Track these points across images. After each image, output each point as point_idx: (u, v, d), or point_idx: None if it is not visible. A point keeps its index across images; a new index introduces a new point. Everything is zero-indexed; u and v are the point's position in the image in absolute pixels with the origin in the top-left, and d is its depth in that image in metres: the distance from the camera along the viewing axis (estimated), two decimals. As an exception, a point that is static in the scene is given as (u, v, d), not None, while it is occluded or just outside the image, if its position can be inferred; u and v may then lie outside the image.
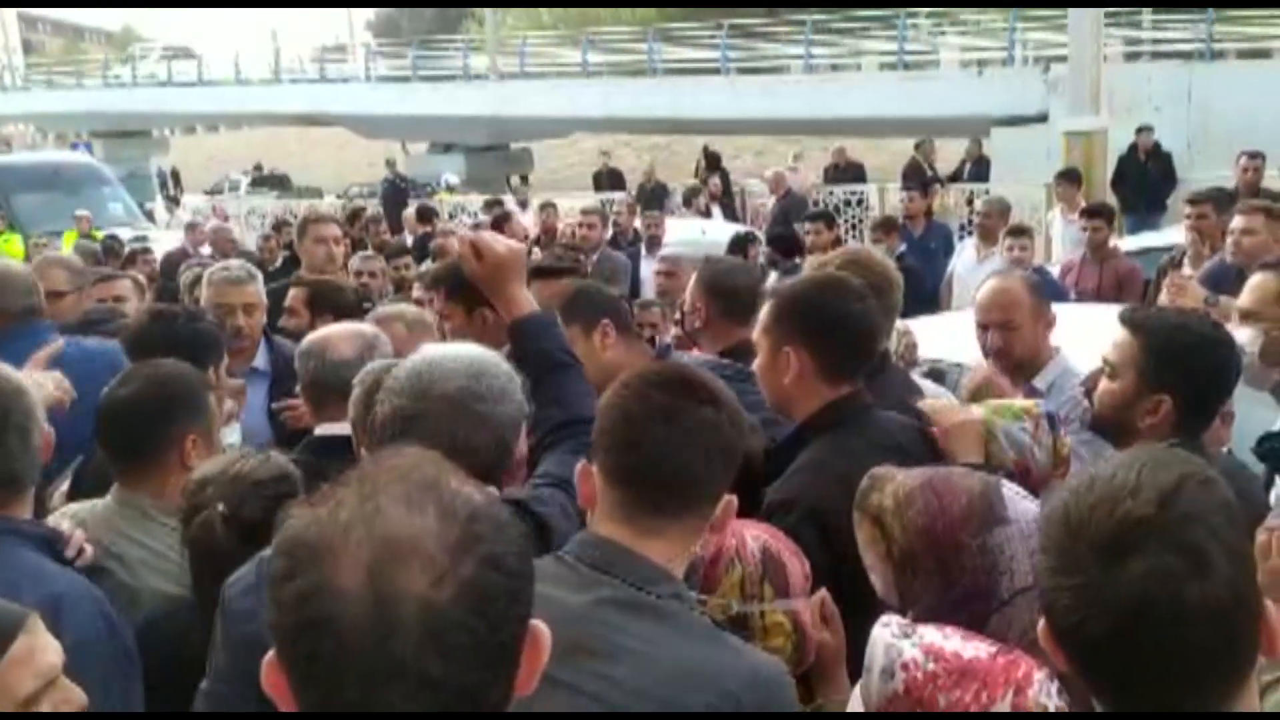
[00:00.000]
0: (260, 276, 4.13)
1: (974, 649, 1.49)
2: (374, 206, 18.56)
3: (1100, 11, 14.13)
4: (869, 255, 3.22)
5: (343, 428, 2.50)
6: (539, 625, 1.01)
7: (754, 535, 1.96)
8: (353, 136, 33.52)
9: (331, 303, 4.16)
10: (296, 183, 33.43)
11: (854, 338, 2.36)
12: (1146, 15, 20.84)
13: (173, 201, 22.63)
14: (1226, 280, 4.95)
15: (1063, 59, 15.71)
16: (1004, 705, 1.42)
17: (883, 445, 2.24)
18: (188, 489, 2.17)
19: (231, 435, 3.19)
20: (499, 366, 1.91)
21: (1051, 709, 1.39)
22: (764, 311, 2.44)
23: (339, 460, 1.75)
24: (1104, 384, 2.33)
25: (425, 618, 0.89)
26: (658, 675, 1.49)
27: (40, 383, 2.59)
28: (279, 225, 11.26)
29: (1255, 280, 2.51)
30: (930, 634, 1.53)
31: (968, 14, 24.11)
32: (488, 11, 31.52)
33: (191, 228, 11.72)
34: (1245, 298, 2.51)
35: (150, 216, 19.69)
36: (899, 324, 3.56)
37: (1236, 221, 5.03)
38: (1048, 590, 1.15)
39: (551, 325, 2.32)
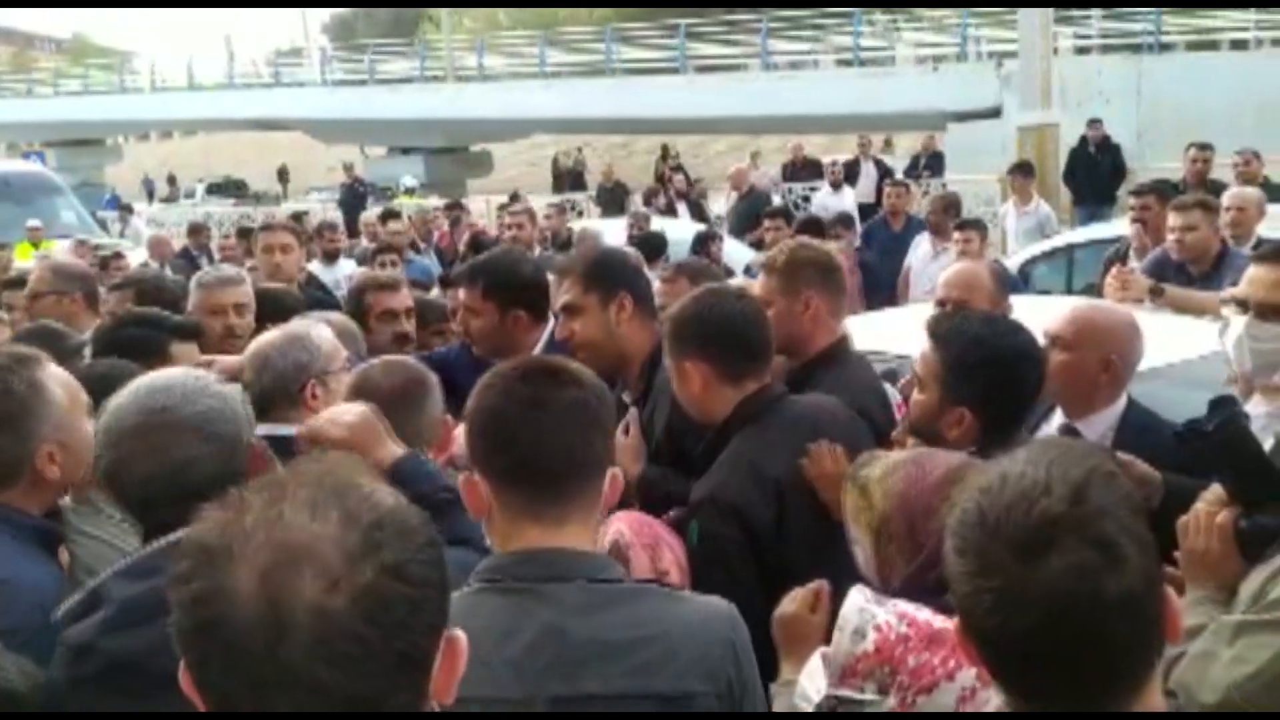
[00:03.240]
0: (249, 279, 4.14)
1: (943, 622, 1.54)
2: (332, 211, 18.50)
3: (1050, 7, 14.33)
4: (811, 243, 3.29)
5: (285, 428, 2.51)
6: (457, 635, 1.01)
7: (616, 527, 2.03)
8: (309, 141, 33.28)
9: (269, 312, 4.12)
10: (254, 189, 33.17)
11: (740, 338, 2.43)
12: (1096, 9, 21.14)
13: (125, 210, 22.32)
14: (1169, 271, 5.04)
15: (1015, 54, 15.91)
16: (969, 673, 1.47)
17: (797, 431, 2.34)
18: None
19: None
20: (167, 379, 1.89)
21: None
22: (664, 334, 2.53)
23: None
24: (915, 394, 2.37)
25: (316, 624, 0.89)
26: (671, 643, 1.56)
27: None
28: (244, 232, 11.16)
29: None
30: (903, 604, 1.59)
31: (922, 11, 24.33)
32: (444, 13, 31.39)
33: (159, 243, 11.60)
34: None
35: (103, 226, 19.44)
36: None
37: (1176, 219, 5.08)
38: (967, 594, 1.16)
39: (422, 467, 2.26)
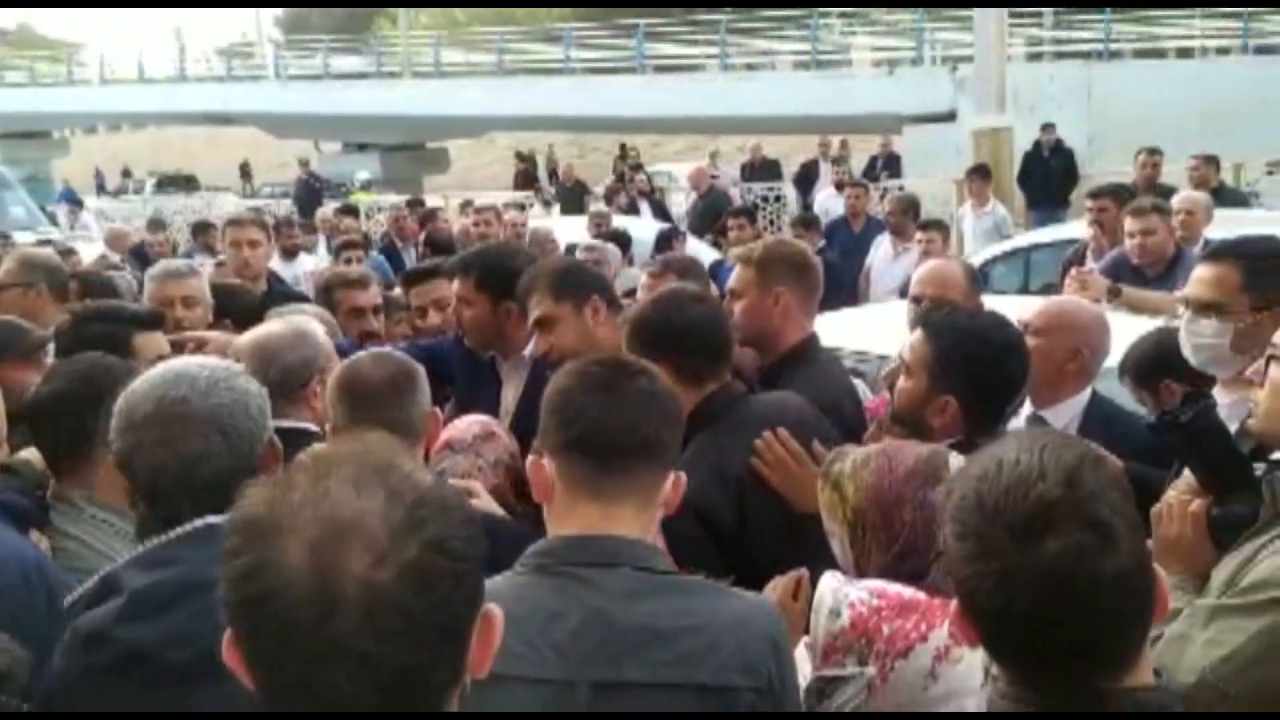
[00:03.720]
0: (203, 273, 4.12)
1: (913, 592, 1.61)
2: (287, 207, 18.31)
3: (1005, 12, 14.55)
4: (788, 239, 3.35)
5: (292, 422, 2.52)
6: (493, 609, 1.04)
7: None
8: (263, 136, 32.88)
9: (227, 307, 4.10)
10: (205, 184, 32.71)
11: (701, 341, 2.46)
12: (1048, 16, 21.48)
13: (76, 204, 21.96)
14: (1125, 272, 5.18)
15: (970, 59, 16.13)
16: (941, 632, 1.54)
17: (757, 430, 2.39)
18: None
19: None
20: (200, 365, 1.88)
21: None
22: (623, 337, 2.54)
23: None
24: (901, 382, 2.43)
25: (365, 597, 0.91)
26: (714, 635, 1.58)
27: None
28: (204, 225, 11.02)
29: (1209, 272, 2.58)
30: (874, 581, 1.65)
31: (878, 14, 24.57)
32: (401, 10, 31.18)
33: (117, 236, 11.43)
34: (1202, 289, 2.58)
35: (53, 220, 19.10)
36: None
37: (1134, 224, 5.23)
38: (968, 576, 1.21)
39: None
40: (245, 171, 21.60)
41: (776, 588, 1.94)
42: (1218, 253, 2.68)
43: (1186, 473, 1.98)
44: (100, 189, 33.22)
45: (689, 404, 2.40)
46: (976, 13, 14.48)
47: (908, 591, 1.62)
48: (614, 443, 1.66)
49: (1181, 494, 1.94)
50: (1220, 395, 2.63)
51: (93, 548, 2.27)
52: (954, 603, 1.28)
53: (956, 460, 1.78)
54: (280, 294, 5.13)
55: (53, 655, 1.70)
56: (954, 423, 2.28)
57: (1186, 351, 2.63)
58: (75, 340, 2.95)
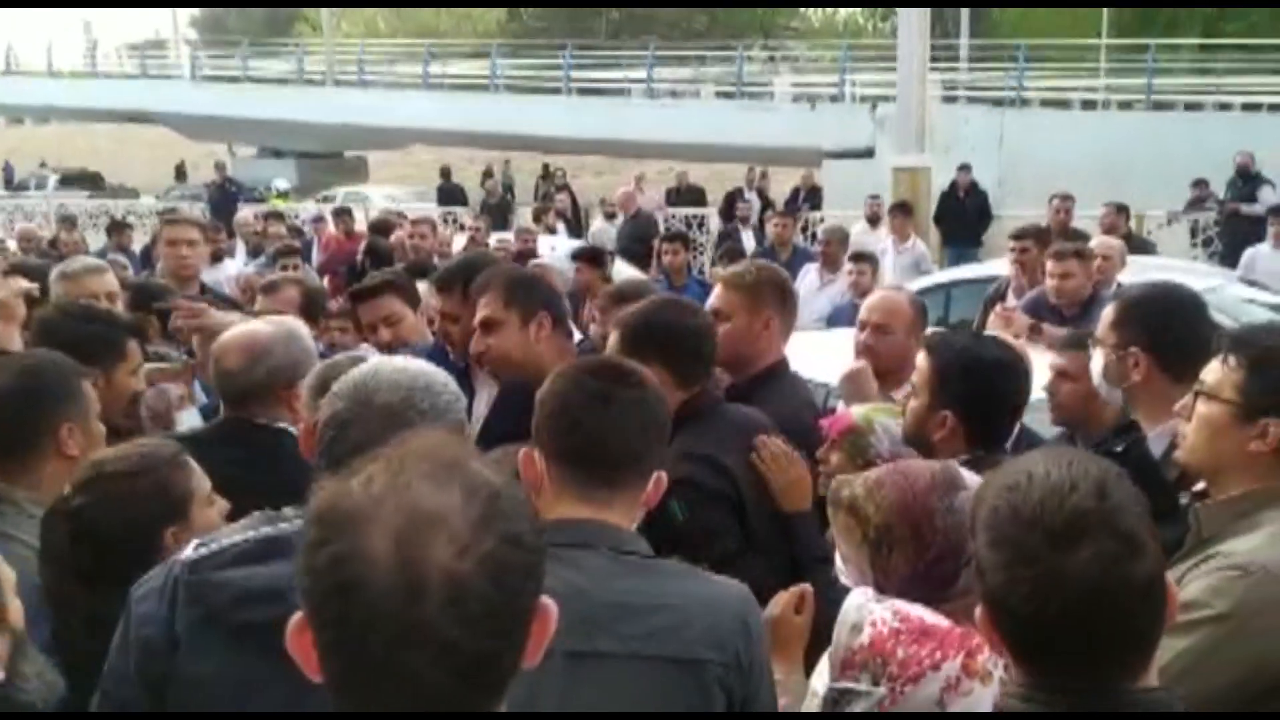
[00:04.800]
0: (110, 269, 4.09)
1: (937, 618, 1.66)
2: (199, 210, 17.89)
3: (926, 53, 15.00)
4: (771, 265, 3.46)
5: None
6: (547, 601, 1.09)
7: None
8: (172, 136, 32.08)
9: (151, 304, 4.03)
10: (110, 182, 31.74)
11: (695, 345, 2.63)
12: (964, 63, 22.21)
13: None
14: (1044, 310, 5.41)
15: (889, 98, 16.57)
16: (954, 664, 1.60)
17: (744, 430, 2.57)
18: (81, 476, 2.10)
19: (190, 420, 3.15)
20: (446, 385, 1.93)
21: (996, 677, 1.56)
22: (614, 339, 2.65)
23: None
24: (910, 403, 2.55)
25: (448, 586, 0.96)
26: (686, 613, 1.67)
27: None
28: (119, 225, 10.73)
29: (1104, 314, 2.79)
30: (901, 603, 1.70)
31: (801, 50, 25.11)
32: (324, 15, 30.79)
33: (27, 235, 11.07)
34: (1099, 330, 2.78)
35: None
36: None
37: (1054, 267, 5.50)
38: (1003, 582, 1.28)
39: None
40: (181, 173, 20.95)
41: (780, 601, 2.00)
42: (1116, 294, 2.88)
43: None
44: (8, 183, 31.93)
45: (674, 403, 2.48)
46: (900, 53, 14.90)
47: (931, 618, 1.66)
48: (607, 457, 1.75)
49: None
50: (1145, 428, 2.80)
51: (35, 548, 2.22)
52: (979, 610, 1.34)
53: (970, 476, 1.85)
54: (213, 298, 5.06)
55: None
56: (954, 438, 2.37)
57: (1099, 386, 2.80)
58: (66, 337, 2.84)
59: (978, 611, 1.35)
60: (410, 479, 1.01)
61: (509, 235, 10.75)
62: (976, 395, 2.40)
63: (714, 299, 3.12)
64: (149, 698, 1.74)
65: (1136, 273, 6.59)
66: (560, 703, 1.60)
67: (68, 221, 11.96)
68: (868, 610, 1.69)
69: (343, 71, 28.34)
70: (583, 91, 24.93)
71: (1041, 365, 4.08)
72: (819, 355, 4.55)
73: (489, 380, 3.13)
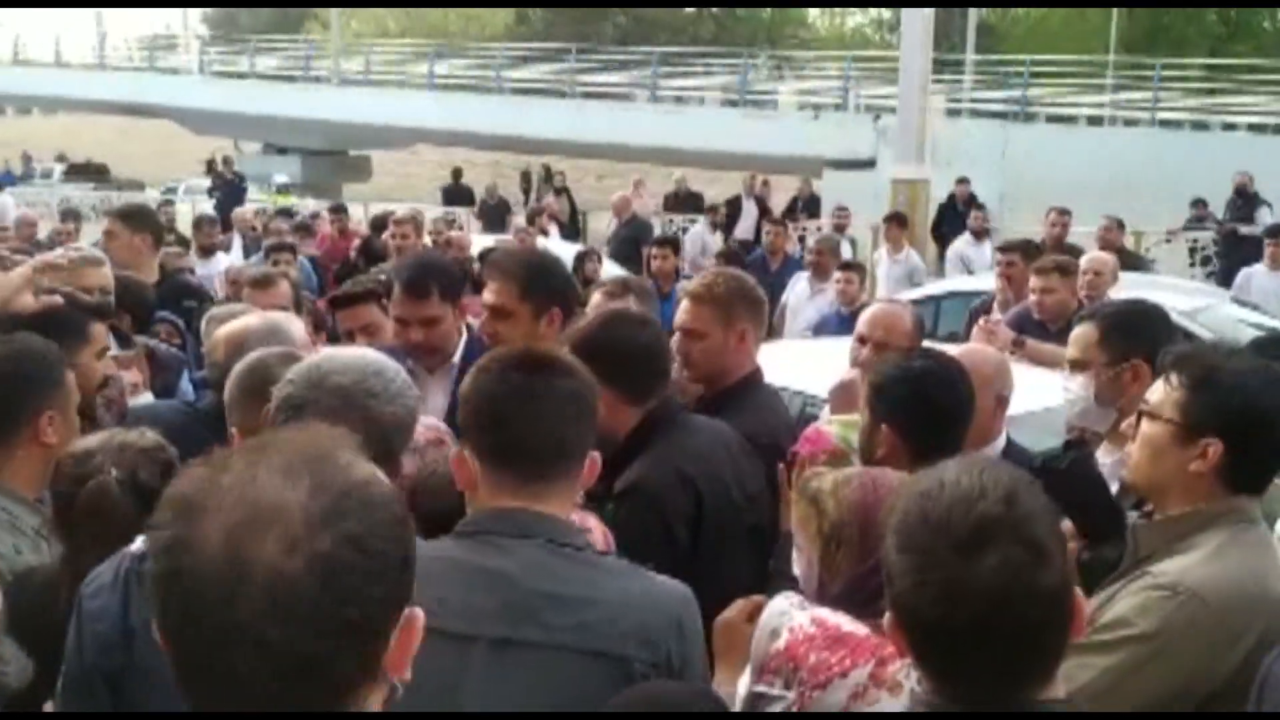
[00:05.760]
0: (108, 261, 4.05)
1: (856, 626, 1.66)
2: (201, 204, 17.92)
3: (928, 68, 15.00)
4: (741, 274, 3.35)
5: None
6: (415, 613, 1.03)
7: None
8: (178, 130, 32.14)
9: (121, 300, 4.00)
10: (116, 175, 31.80)
11: (646, 362, 2.52)
12: (968, 76, 22.21)
13: None
14: (1029, 325, 5.38)
15: (892, 109, 16.58)
16: (863, 672, 1.59)
17: (712, 439, 2.55)
18: (66, 463, 2.12)
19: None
20: (398, 373, 1.97)
21: (907, 689, 1.55)
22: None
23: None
24: (862, 422, 2.54)
25: (271, 584, 0.92)
26: (617, 609, 1.65)
27: None
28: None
29: (1077, 332, 2.75)
30: (824, 611, 1.70)
31: (805, 59, 25.14)
32: (333, 15, 30.86)
33: (28, 223, 11.07)
34: (1071, 349, 2.75)
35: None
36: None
37: (1035, 281, 5.47)
38: (909, 587, 1.27)
39: None
40: (211, 167, 20.74)
41: (735, 608, 1.98)
42: (1083, 315, 2.87)
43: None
44: (27, 176, 31.84)
45: (632, 419, 2.49)
46: (902, 65, 14.91)
47: (848, 626, 1.66)
48: (536, 452, 1.72)
49: None
50: (1106, 453, 2.77)
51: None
52: (887, 616, 1.33)
53: None
54: (175, 286, 5.07)
55: None
56: (894, 453, 2.35)
57: (1067, 410, 2.78)
58: (29, 320, 2.81)
59: (886, 617, 1.34)
60: (260, 471, 0.97)
61: (508, 236, 10.76)
62: (910, 405, 2.38)
63: (683, 315, 2.99)
64: (109, 692, 1.75)
65: (1127, 289, 6.57)
66: (483, 689, 1.60)
67: (69, 214, 11.96)
68: (788, 617, 1.69)
69: (349, 70, 28.38)
70: (587, 96, 24.95)
71: (1025, 379, 4.09)
72: (803, 364, 4.54)
73: (439, 382, 3.09)
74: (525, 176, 19.84)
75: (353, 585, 0.95)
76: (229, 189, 19.50)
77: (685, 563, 2.26)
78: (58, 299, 2.89)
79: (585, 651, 1.62)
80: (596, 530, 2.17)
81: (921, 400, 2.37)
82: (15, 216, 11.36)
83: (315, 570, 0.93)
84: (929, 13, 14.42)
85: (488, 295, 3.02)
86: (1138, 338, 2.59)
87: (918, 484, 1.34)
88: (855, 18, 43.36)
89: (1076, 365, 2.73)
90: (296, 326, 2.93)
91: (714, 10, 42.74)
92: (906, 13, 14.94)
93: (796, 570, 1.87)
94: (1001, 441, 3.00)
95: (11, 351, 2.42)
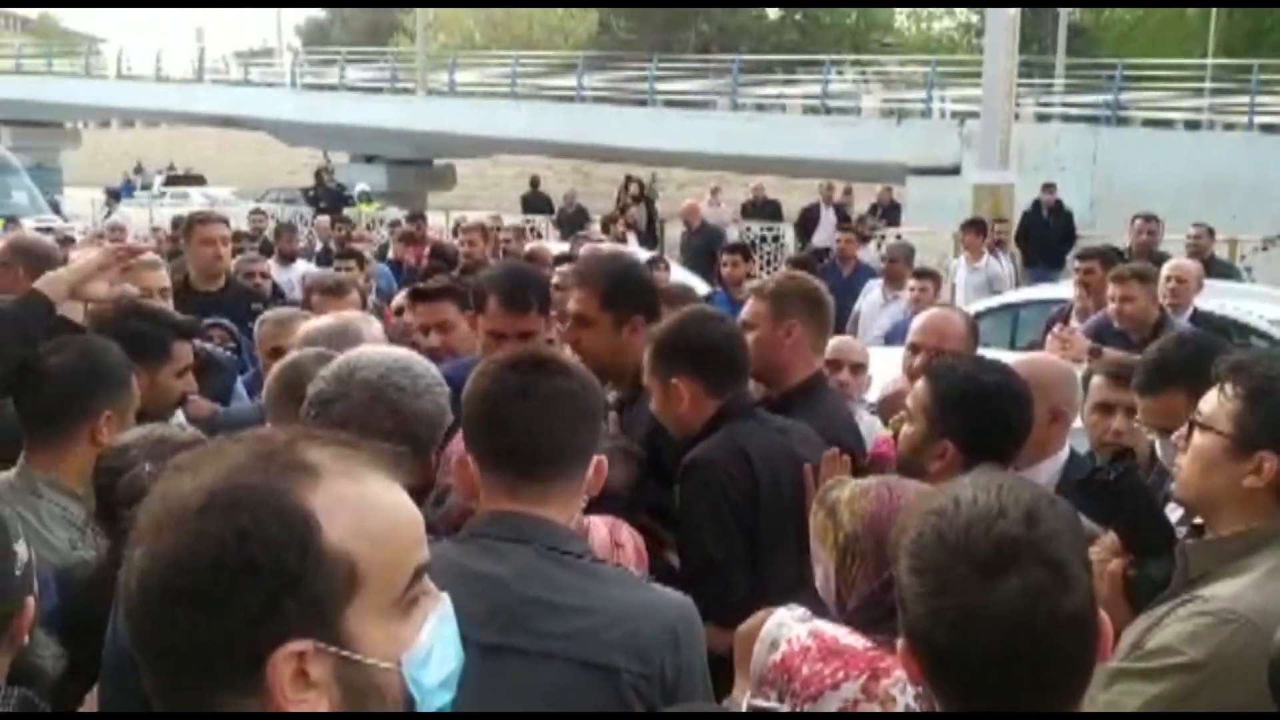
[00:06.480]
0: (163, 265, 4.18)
1: (854, 639, 1.61)
2: (291, 212, 18.40)
3: (1014, 70, 14.67)
4: (801, 274, 3.41)
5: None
6: (293, 648, 0.96)
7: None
8: (270, 141, 33.04)
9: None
10: (212, 184, 32.79)
11: (727, 356, 2.61)
12: (1058, 80, 21.67)
13: (113, 197, 22.21)
14: (1109, 334, 5.20)
15: (977, 114, 16.26)
16: (854, 685, 1.55)
17: (780, 428, 2.60)
18: (107, 455, 2.17)
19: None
20: (428, 369, 1.98)
21: (902, 703, 1.49)
22: (646, 355, 2.65)
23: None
24: (904, 428, 2.47)
25: (135, 590, 0.97)
26: (609, 618, 1.62)
27: None
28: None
29: (1156, 400, 2.59)
30: (824, 623, 1.66)
31: (890, 66, 24.83)
32: (418, 26, 31.42)
33: (117, 229, 11.51)
34: (1150, 417, 2.59)
35: (56, 209, 19.19)
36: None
37: (1114, 290, 5.28)
38: (925, 613, 1.19)
39: None
40: (320, 178, 21.12)
41: (758, 617, 1.91)
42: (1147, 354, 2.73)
43: (1111, 532, 1.98)
44: (145, 187, 32.97)
45: (709, 411, 2.55)
46: (985, 68, 14.62)
47: (846, 639, 1.62)
48: (533, 453, 1.70)
49: (1102, 552, 1.94)
50: None
51: (34, 532, 2.25)
52: (900, 640, 1.26)
53: None
54: (239, 291, 5.21)
55: None
56: (953, 468, 2.27)
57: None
58: (114, 331, 2.86)
59: (899, 642, 1.27)
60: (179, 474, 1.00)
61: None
62: (978, 424, 2.31)
63: (744, 310, 3.11)
64: (139, 677, 1.76)
65: (1211, 297, 6.33)
66: (473, 696, 1.56)
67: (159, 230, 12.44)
68: (786, 629, 1.66)
69: (435, 81, 28.85)
70: (668, 104, 24.97)
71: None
72: (881, 371, 4.45)
73: None
74: (637, 185, 19.93)
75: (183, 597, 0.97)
76: (332, 197, 20.08)
77: (744, 539, 2.29)
78: (130, 287, 2.91)
79: (574, 660, 1.59)
80: (629, 545, 2.14)
81: (992, 417, 2.31)
82: (109, 222, 11.81)
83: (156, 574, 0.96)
84: (1014, 14, 14.11)
85: (570, 303, 3.03)
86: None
87: (930, 501, 1.26)
88: (942, 22, 42.67)
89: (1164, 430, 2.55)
90: (373, 327, 2.96)
91: (798, 18, 42.54)
92: (991, 13, 14.64)
93: (817, 581, 1.82)
94: (1064, 455, 2.89)
95: (78, 351, 2.48)
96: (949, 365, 2.51)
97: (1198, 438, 1.84)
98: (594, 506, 1.99)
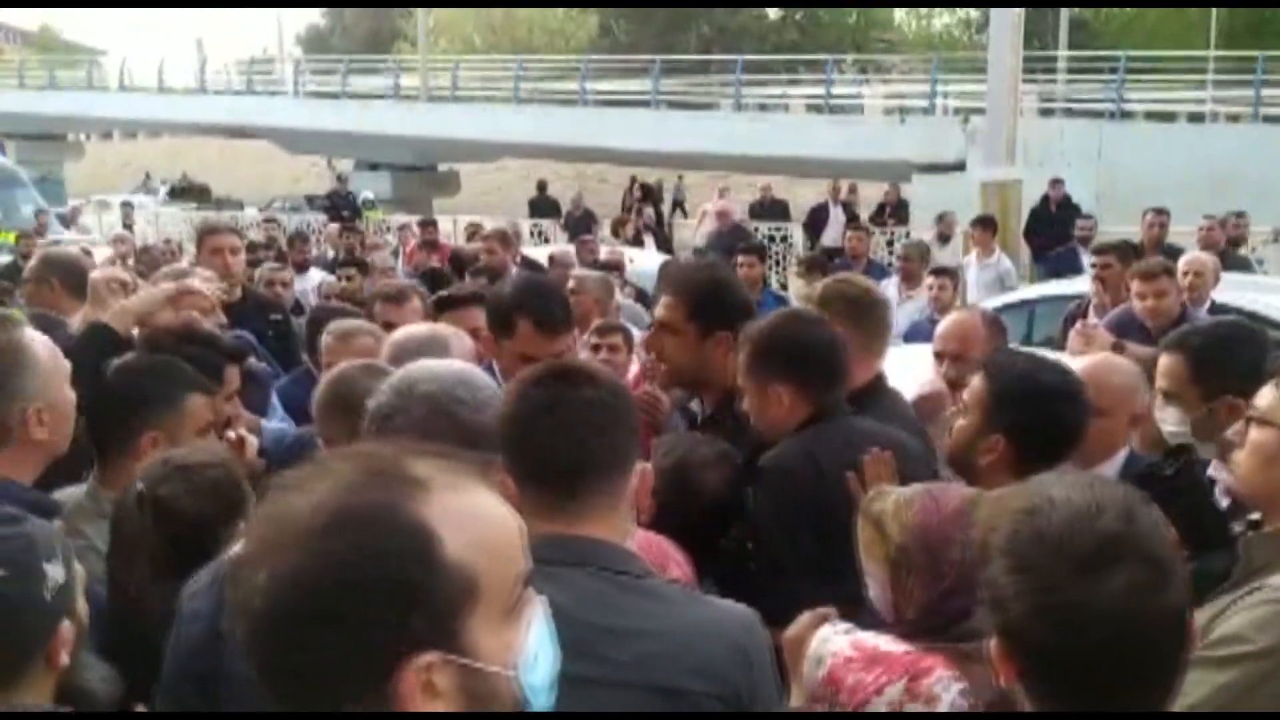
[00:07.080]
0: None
1: (895, 645, 1.62)
2: (298, 221, 18.42)
3: (1018, 67, 14.68)
4: (850, 277, 3.36)
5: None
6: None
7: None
8: (274, 150, 33.07)
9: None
10: (216, 194, 32.84)
11: (826, 361, 2.54)
12: (1061, 74, 21.65)
13: (127, 207, 22.30)
14: (1132, 330, 5.20)
15: (981, 111, 16.26)
16: (897, 688, 1.56)
17: (859, 432, 2.49)
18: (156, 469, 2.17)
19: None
20: (486, 380, 1.96)
21: (947, 700, 1.51)
22: (742, 356, 2.58)
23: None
24: (958, 422, 2.47)
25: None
26: (676, 642, 1.57)
27: None
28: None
29: (1165, 362, 2.61)
30: (866, 634, 1.66)
31: (891, 63, 24.82)
32: (420, 32, 31.44)
33: (120, 240, 11.55)
34: (1161, 379, 2.63)
35: (63, 221, 19.19)
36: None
37: (1143, 286, 5.24)
38: (1025, 611, 1.20)
39: None
40: (336, 188, 21.29)
41: (802, 622, 1.90)
42: (1170, 343, 2.74)
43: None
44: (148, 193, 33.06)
45: (802, 415, 2.50)
46: (990, 64, 14.61)
47: (887, 645, 1.63)
48: (564, 467, 1.64)
49: None
50: (1214, 471, 2.65)
51: (101, 552, 2.27)
52: (991, 642, 1.27)
53: None
54: (257, 302, 5.26)
55: None
56: (1002, 463, 2.28)
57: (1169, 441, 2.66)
58: (166, 355, 2.89)
59: (990, 643, 1.27)
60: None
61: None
62: (1032, 421, 2.31)
63: None
64: (199, 695, 1.75)
65: (1230, 290, 6.33)
66: None
67: (170, 242, 12.49)
68: (830, 645, 1.66)
69: (436, 87, 28.87)
70: (671, 105, 24.98)
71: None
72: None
73: None
74: (641, 187, 19.91)
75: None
76: (349, 205, 20.19)
77: (815, 546, 2.26)
78: (196, 314, 3.13)
79: (644, 686, 1.54)
80: (673, 562, 2.07)
81: (1049, 417, 2.31)
82: (115, 234, 11.85)
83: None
84: (1018, 11, 14.10)
85: (658, 309, 3.01)
86: (1230, 369, 2.46)
87: (1018, 501, 1.26)
88: (942, 19, 42.66)
89: (1169, 396, 2.61)
90: (464, 342, 2.96)
91: (798, 17, 42.54)
92: (995, 11, 14.63)
93: (871, 593, 1.80)
94: (1124, 452, 2.86)
95: (131, 369, 2.51)
96: (1008, 361, 2.50)
97: (1255, 433, 1.85)
98: (687, 514, 1.98)
